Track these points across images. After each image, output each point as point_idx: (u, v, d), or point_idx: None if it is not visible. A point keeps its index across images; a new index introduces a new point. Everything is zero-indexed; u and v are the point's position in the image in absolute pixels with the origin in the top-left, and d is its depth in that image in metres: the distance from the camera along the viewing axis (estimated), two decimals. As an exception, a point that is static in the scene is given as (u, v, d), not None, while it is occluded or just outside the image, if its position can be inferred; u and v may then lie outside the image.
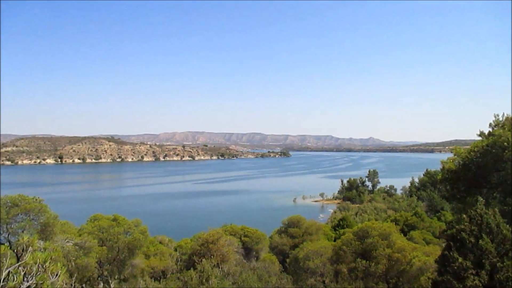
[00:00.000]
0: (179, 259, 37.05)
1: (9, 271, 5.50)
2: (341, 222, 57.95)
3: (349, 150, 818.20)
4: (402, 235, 34.64)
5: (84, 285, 23.83)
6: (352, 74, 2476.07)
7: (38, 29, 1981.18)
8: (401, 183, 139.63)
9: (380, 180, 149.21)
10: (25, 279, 5.02)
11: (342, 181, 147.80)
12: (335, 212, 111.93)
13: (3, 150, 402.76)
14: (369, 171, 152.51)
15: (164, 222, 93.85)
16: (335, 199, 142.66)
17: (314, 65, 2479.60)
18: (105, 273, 30.37)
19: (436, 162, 46.74)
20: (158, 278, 29.73)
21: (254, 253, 40.85)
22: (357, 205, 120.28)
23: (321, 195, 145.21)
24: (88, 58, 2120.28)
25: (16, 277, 5.01)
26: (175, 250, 44.05)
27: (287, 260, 35.11)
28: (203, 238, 31.36)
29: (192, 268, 24.03)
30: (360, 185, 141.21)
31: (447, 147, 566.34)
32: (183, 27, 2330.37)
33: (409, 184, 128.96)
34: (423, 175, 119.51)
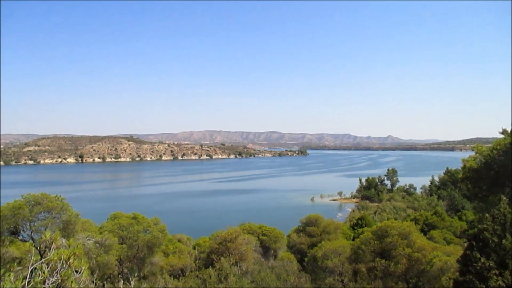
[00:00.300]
0: (198, 257, 37.30)
1: (34, 267, 5.64)
2: (359, 221, 57.54)
3: (367, 149, 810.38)
4: (422, 234, 34.18)
5: (105, 283, 24.19)
6: (370, 73, 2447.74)
7: (58, 28, 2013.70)
8: (420, 182, 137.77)
9: (399, 178, 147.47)
10: (50, 275, 5.15)
11: (360, 180, 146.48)
12: (353, 211, 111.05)
13: (25, 149, 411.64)
14: (388, 170, 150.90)
15: (182, 220, 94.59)
16: (353, 198, 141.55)
17: (332, 64, 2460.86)
18: (125, 270, 30.79)
19: (456, 160, 46.03)
20: (177, 276, 29.98)
21: (272, 251, 40.83)
22: (376, 204, 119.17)
23: (339, 194, 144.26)
24: (108, 58, 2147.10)
25: (41, 273, 5.14)
26: (194, 248, 44.36)
27: (305, 259, 34.98)
28: (221, 236, 31.50)
29: (210, 266, 24.17)
30: (378, 183, 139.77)
31: (468, 145, 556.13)
32: (200, 27, 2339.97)
33: (429, 183, 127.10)
34: (444, 173, 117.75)
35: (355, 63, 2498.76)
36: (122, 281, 29.51)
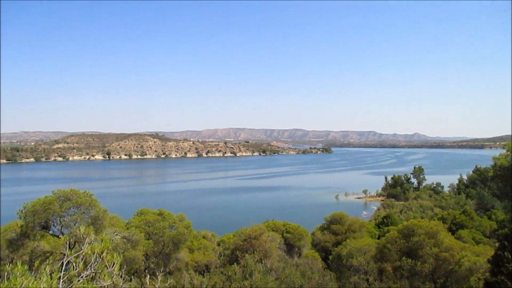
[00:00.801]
0: (222, 254, 37.58)
1: (68, 261, 5.82)
2: (385, 220, 56.84)
3: (393, 146, 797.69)
4: (450, 234, 33.48)
5: (132, 277, 24.65)
6: (396, 69, 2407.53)
7: (83, 27, 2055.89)
8: (448, 180, 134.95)
9: (426, 177, 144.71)
10: (84, 268, 5.32)
11: (386, 178, 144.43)
12: (378, 209, 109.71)
13: (55, 146, 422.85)
14: (414, 168, 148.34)
15: (207, 217, 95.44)
16: (379, 196, 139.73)
17: (358, 61, 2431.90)
18: (151, 266, 31.32)
19: (486, 158, 44.91)
20: (202, 272, 30.29)
21: (296, 249, 40.76)
22: (402, 202, 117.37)
23: (364, 192, 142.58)
24: (134, 56, 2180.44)
25: (76, 266, 5.32)
26: (218, 245, 44.74)
27: (330, 257, 34.80)
28: (246, 233, 31.62)
29: (235, 263, 24.31)
30: (405, 182, 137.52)
31: (498, 143, 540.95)
32: (224, 24, 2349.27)
33: (457, 181, 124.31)
34: (472, 172, 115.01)
35: (381, 59, 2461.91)
36: (148, 276, 30.03)
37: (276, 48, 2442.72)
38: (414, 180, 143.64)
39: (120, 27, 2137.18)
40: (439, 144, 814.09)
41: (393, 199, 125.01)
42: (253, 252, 27.26)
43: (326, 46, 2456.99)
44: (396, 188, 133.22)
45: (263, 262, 24.69)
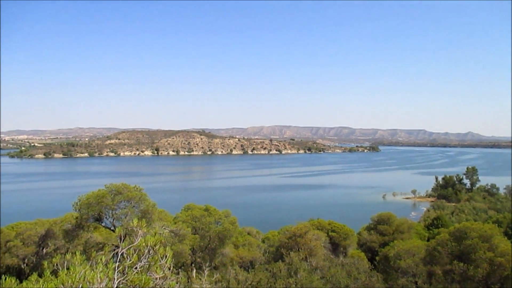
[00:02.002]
0: (267, 251, 37.77)
1: (123, 252, 6.07)
2: (435, 221, 55.03)
3: (445, 146, 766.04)
4: (505, 238, 31.87)
5: (179, 270, 25.27)
6: (447, 65, 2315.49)
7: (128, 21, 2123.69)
8: (504, 182, 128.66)
9: (479, 178, 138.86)
10: (138, 259, 5.55)
11: (436, 178, 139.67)
12: (428, 210, 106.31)
13: (107, 142, 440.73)
14: (467, 168, 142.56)
15: (251, 213, 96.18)
16: (429, 197, 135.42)
17: (407, 56, 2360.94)
18: (198, 260, 31.99)
19: (547, 159, 42.24)
20: (247, 268, 30.56)
21: (342, 248, 40.29)
22: (453, 204, 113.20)
23: (413, 192, 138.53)
24: (180, 54, 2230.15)
25: (131, 258, 5.55)
26: (263, 241, 45.02)
27: (377, 258, 34.10)
28: (291, 231, 31.60)
29: (280, 260, 24.36)
30: (456, 182, 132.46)
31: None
32: (268, 22, 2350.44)
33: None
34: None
35: (431, 53, 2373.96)
36: (194, 270, 30.71)
37: (323, 45, 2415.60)
38: (467, 181, 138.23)
39: (171, 23, 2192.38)
40: (494, 144, 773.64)
41: (444, 200, 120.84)
42: (298, 250, 27.20)
43: (375, 42, 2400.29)
44: (447, 189, 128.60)
45: (308, 261, 24.59)
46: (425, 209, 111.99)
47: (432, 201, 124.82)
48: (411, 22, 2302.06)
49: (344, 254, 38.37)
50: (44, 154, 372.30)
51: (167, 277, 5.72)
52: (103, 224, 27.50)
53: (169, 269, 6.09)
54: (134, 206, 27.03)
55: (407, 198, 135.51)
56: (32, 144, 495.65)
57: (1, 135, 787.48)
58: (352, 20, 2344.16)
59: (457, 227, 28.68)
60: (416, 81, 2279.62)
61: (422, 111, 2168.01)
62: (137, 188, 27.71)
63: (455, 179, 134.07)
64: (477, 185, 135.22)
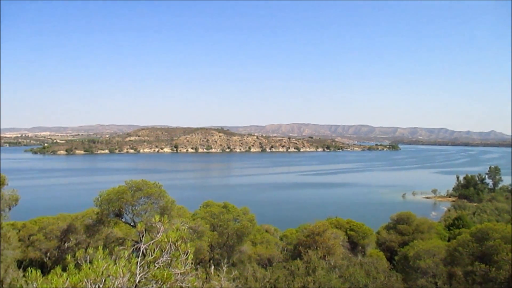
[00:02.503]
0: (285, 249, 37.79)
1: (140, 247, 6.16)
2: (456, 222, 54.02)
3: (466, 145, 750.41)
4: (529, 239, 31.16)
5: (198, 267, 25.46)
6: (468, 62, 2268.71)
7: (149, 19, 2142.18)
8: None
9: (502, 177, 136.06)
10: (161, 255, 5.64)
11: (457, 178, 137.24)
12: (449, 210, 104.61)
13: (127, 139, 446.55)
14: (489, 168, 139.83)
15: (270, 211, 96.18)
16: (449, 197, 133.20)
17: (428, 53, 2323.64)
18: (216, 256, 32.19)
19: None
20: (264, 266, 30.63)
21: (360, 248, 40.04)
22: (475, 204, 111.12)
23: (433, 191, 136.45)
24: (197, 52, 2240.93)
25: (153, 253, 5.64)
26: (281, 239, 45.04)
27: (396, 257, 33.76)
28: (309, 229, 31.54)
29: (298, 258, 24.33)
30: (479, 182, 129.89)
31: None
32: (290, 20, 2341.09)
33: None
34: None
35: (452, 51, 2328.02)
36: (213, 267, 30.91)
37: (343, 42, 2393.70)
38: (489, 181, 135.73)
39: (189, 21, 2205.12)
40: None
41: (465, 200, 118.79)
42: (316, 248, 27.14)
43: (395, 39, 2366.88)
44: (468, 189, 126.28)
45: (326, 259, 24.51)
46: (445, 208, 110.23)
47: (453, 201, 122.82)
48: (434, 18, 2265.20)
49: (362, 253, 38.13)
50: (66, 151, 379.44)
51: (188, 273, 5.79)
52: (123, 219, 27.91)
53: (190, 265, 6.16)
54: (153, 202, 27.36)
55: (427, 198, 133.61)
56: (55, 141, 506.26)
57: (23, 132, 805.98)
58: (371, 17, 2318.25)
59: (478, 228, 28.17)
60: (437, 78, 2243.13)
61: (443, 109, 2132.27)
62: (156, 185, 28.04)
63: (477, 178, 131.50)
64: (500, 185, 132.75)
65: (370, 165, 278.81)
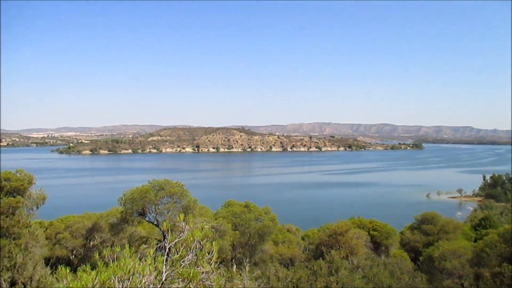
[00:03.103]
0: (307, 248, 37.62)
1: (164, 246, 6.24)
2: (483, 222, 52.74)
3: (493, 143, 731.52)
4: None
5: (220, 266, 25.57)
6: (492, 56, 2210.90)
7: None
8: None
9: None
10: (186, 253, 5.71)
11: (484, 177, 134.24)
12: (475, 210, 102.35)
13: (150, 139, 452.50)
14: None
15: (291, 211, 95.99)
16: (476, 196, 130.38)
17: (452, 50, 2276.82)
18: (238, 256, 32.31)
19: None
20: (286, 265, 30.59)
21: (383, 248, 39.55)
22: (502, 204, 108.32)
23: (459, 191, 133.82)
24: (218, 52, 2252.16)
25: (179, 252, 5.71)
26: (303, 239, 44.85)
27: (420, 258, 33.23)
28: (331, 229, 31.34)
29: (320, 258, 24.21)
30: (506, 181, 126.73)
31: None
32: (311, 19, 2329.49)
33: None
34: None
35: (477, 48, 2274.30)
36: (235, 266, 31.03)
37: (365, 41, 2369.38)
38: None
39: (213, 20, 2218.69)
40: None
41: (492, 200, 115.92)
42: (339, 248, 26.96)
43: (418, 37, 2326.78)
44: (496, 188, 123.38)
45: (349, 259, 24.30)
46: (471, 208, 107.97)
47: (480, 201, 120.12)
48: (461, 14, 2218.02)
49: (386, 253, 37.65)
50: (91, 150, 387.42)
51: (212, 272, 5.84)
52: (146, 218, 28.25)
53: (215, 263, 6.20)
54: (176, 202, 27.61)
55: (452, 198, 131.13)
56: (80, 141, 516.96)
57: (49, 132, 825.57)
58: (395, 15, 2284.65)
59: (507, 228, 27.54)
60: (462, 75, 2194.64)
61: (468, 107, 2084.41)
62: (179, 184, 28.28)
63: (505, 178, 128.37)
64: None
65: (393, 165, 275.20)
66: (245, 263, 18.92)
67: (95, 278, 4.99)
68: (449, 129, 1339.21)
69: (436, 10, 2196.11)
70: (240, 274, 20.14)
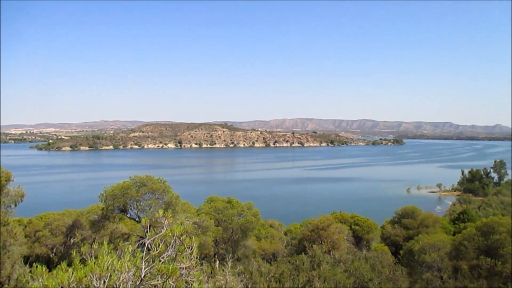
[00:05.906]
0: (289, 244, 37.78)
1: (145, 242, 6.16)
2: (461, 216, 53.86)
3: (472, 139, 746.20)
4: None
5: (203, 262, 25.51)
6: (472, 56, 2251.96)
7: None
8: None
9: (508, 171, 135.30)
10: (165, 249, 5.64)
11: (462, 172, 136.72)
12: (454, 204, 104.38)
13: (131, 135, 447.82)
14: (495, 162, 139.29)
15: (274, 206, 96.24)
16: (454, 191, 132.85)
17: (432, 47, 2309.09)
18: (221, 251, 32.26)
19: None
20: (269, 260, 30.67)
21: (365, 242, 40.00)
22: (480, 198, 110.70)
23: (438, 186, 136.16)
24: (201, 48, 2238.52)
25: (158, 247, 5.64)
26: (285, 234, 45.02)
27: (401, 251, 33.72)
28: (314, 224, 31.52)
29: (302, 253, 24.33)
30: (484, 176, 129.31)
31: None
32: (294, 15, 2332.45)
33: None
34: None
35: (457, 45, 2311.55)
36: (217, 262, 30.99)
37: (346, 38, 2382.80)
38: (494, 175, 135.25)
39: (192, 16, 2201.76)
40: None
41: (470, 194, 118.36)
42: (321, 243, 27.13)
43: (398, 34, 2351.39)
44: (474, 183, 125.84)
45: (331, 254, 24.49)
46: (450, 203, 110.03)
47: (458, 195, 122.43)
48: (437, 14, 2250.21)
49: (367, 247, 38.10)
50: (71, 147, 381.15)
51: (193, 267, 5.79)
52: (128, 215, 27.97)
53: (195, 259, 6.15)
54: (158, 198, 27.39)
55: (432, 192, 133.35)
56: (59, 137, 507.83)
57: (28, 128, 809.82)
58: (375, 11, 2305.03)
59: (484, 222, 28.08)
60: (441, 72, 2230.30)
61: (448, 103, 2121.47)
62: (161, 180, 28.05)
63: (482, 172, 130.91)
64: (505, 179, 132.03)
65: (374, 160, 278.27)
66: (227, 259, 18.87)
67: (71, 276, 4.89)
68: (429, 125, 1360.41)
69: (417, 6, 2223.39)
70: (223, 270, 20.11)
